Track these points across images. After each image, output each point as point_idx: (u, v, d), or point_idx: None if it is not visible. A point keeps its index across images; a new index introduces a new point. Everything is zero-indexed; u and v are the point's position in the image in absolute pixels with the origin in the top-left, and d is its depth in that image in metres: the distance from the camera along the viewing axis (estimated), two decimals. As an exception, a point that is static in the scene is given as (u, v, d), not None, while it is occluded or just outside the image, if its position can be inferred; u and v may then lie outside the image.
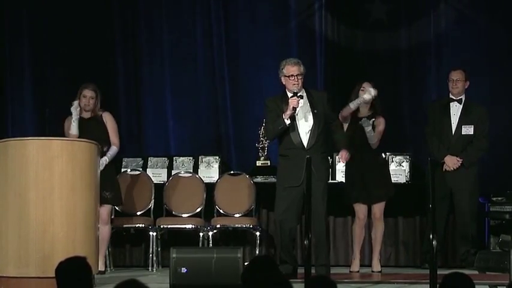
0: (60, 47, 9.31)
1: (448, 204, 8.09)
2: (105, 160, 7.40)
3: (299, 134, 6.96)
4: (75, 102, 7.44)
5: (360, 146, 7.65)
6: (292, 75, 6.98)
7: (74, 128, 7.40)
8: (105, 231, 7.55)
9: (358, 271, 7.76)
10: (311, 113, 7.00)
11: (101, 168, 7.12)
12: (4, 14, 9.41)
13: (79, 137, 7.25)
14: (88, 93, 7.52)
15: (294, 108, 6.90)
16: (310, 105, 7.02)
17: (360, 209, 7.69)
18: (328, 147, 7.25)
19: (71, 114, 7.46)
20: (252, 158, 8.95)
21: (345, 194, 7.71)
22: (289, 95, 7.01)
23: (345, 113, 7.49)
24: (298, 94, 6.97)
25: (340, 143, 7.23)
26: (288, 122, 6.91)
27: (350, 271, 7.76)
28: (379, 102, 7.71)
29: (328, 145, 7.23)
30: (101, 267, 7.57)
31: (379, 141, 7.72)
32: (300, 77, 7.00)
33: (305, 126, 6.99)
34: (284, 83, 7.06)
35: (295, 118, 6.94)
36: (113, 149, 7.57)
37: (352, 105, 7.49)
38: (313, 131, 6.97)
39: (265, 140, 8.78)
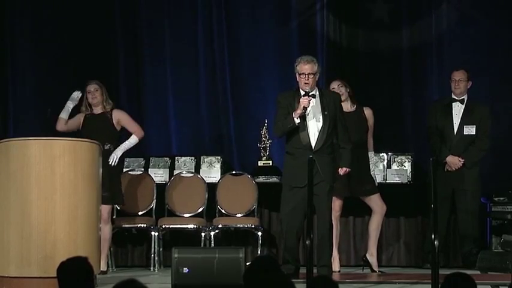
0: (62, 47, 9.30)
1: (450, 204, 8.09)
2: (120, 151, 7.62)
3: (308, 135, 6.89)
4: (77, 93, 7.73)
5: (356, 139, 7.63)
6: (303, 74, 6.92)
7: (64, 112, 7.77)
8: (106, 231, 7.56)
9: (339, 271, 7.68)
10: (321, 114, 6.92)
11: (114, 161, 7.46)
12: (6, 14, 9.41)
13: (82, 134, 7.48)
14: (91, 87, 7.73)
15: (305, 108, 6.84)
16: (321, 106, 6.95)
17: (337, 200, 7.53)
18: (335, 148, 7.19)
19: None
20: (253, 158, 8.94)
21: None
22: (302, 93, 6.95)
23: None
24: (311, 93, 6.92)
25: (345, 161, 7.12)
26: (297, 121, 6.84)
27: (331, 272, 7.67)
28: (352, 91, 7.72)
29: (335, 146, 7.18)
30: (103, 267, 7.58)
31: (372, 136, 7.76)
32: (312, 76, 6.90)
33: (314, 127, 6.92)
34: (297, 79, 7.01)
35: (305, 118, 6.88)
36: (133, 139, 7.73)
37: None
38: (321, 132, 6.89)
39: (267, 140, 8.78)
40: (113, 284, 3.76)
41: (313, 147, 6.85)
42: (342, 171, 7.09)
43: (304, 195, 6.79)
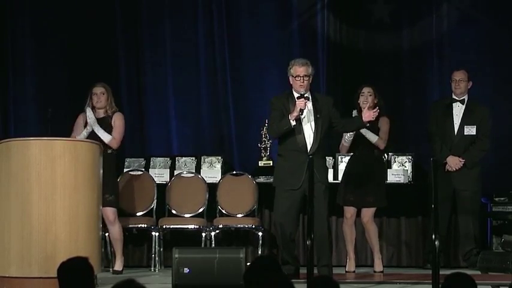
0: (62, 47, 9.31)
1: (450, 204, 8.09)
2: (86, 130, 7.45)
3: (304, 137, 6.93)
4: (88, 111, 7.50)
5: (363, 148, 7.67)
6: (298, 76, 6.95)
7: (82, 135, 7.45)
8: (115, 231, 7.60)
9: (354, 271, 7.76)
10: (314, 117, 6.95)
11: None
12: (7, 14, 9.42)
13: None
14: (97, 90, 7.60)
15: (301, 110, 6.86)
16: (314, 109, 6.97)
17: (348, 209, 7.72)
18: (329, 151, 7.22)
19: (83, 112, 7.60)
20: (254, 158, 8.95)
21: (338, 193, 7.74)
22: (296, 95, 6.97)
23: (343, 150, 7.72)
24: (305, 95, 6.93)
25: (356, 119, 7.21)
26: (293, 123, 6.86)
27: (346, 271, 7.76)
28: (382, 102, 7.73)
29: (329, 148, 7.21)
30: (119, 267, 7.61)
31: (385, 141, 7.74)
32: (307, 78, 6.94)
33: (309, 129, 6.95)
34: (291, 82, 7.03)
35: (301, 120, 6.91)
36: (107, 137, 7.47)
37: (346, 143, 7.65)
38: (315, 135, 6.92)
39: (268, 140, 8.78)
40: (113, 284, 3.76)
41: (308, 150, 6.87)
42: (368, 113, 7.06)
43: (298, 197, 6.88)
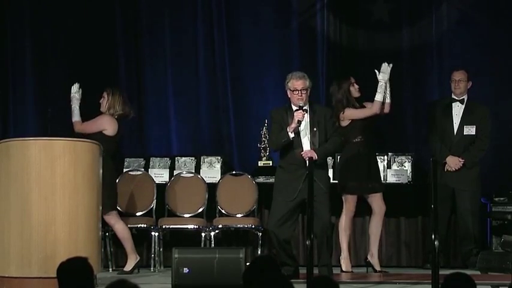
0: (62, 47, 9.31)
1: (450, 204, 8.09)
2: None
3: (303, 151, 6.92)
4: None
5: (368, 135, 7.65)
6: (296, 90, 6.95)
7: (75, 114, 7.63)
8: (116, 231, 7.56)
9: (352, 271, 7.72)
10: (312, 130, 6.95)
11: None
12: (6, 14, 9.42)
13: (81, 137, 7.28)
14: (103, 93, 7.65)
15: (299, 122, 6.87)
16: (311, 121, 6.98)
17: (352, 199, 7.65)
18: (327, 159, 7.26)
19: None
20: (254, 158, 8.95)
21: (340, 182, 7.68)
22: (294, 108, 6.97)
23: (377, 109, 7.64)
24: (303, 108, 6.92)
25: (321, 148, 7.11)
26: (291, 135, 6.88)
27: (342, 271, 7.69)
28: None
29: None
30: (126, 268, 7.56)
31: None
32: (305, 92, 6.94)
33: (307, 143, 6.94)
34: (289, 96, 7.03)
35: (299, 133, 6.90)
36: (77, 115, 7.61)
37: (379, 98, 7.63)
38: (314, 147, 6.93)
39: (267, 140, 8.78)
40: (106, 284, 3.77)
41: (307, 164, 6.84)
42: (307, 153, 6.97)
43: (293, 207, 6.93)
